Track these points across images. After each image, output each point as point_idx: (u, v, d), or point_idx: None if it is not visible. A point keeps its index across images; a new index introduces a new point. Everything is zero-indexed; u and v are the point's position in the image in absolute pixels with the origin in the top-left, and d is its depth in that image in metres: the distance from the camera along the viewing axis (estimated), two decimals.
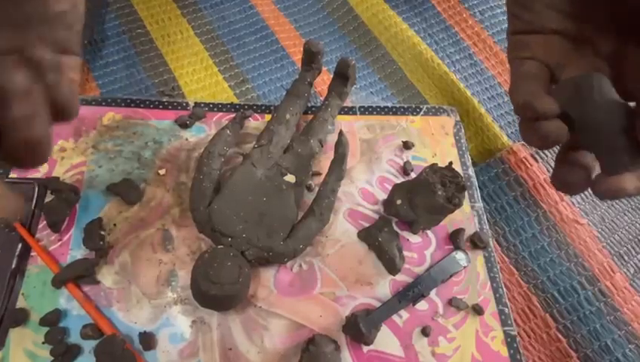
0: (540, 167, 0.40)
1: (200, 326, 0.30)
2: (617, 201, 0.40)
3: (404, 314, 0.31)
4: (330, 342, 0.29)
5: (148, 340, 0.28)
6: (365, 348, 0.30)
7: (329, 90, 0.37)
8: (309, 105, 0.39)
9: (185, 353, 0.29)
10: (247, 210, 0.31)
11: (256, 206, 0.31)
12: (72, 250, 0.31)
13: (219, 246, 0.30)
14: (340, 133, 0.34)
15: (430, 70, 0.44)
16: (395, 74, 0.45)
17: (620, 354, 0.33)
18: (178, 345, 0.29)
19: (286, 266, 0.32)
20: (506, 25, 0.28)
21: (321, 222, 0.32)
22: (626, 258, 0.37)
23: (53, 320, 0.28)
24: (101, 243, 0.31)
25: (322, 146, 0.36)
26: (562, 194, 0.39)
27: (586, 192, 0.40)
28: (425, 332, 0.31)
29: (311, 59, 0.37)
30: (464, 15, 0.49)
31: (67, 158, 0.34)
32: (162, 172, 0.35)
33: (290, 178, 0.33)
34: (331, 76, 0.39)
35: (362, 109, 0.40)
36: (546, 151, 0.41)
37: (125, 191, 0.33)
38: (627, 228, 0.38)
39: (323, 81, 0.42)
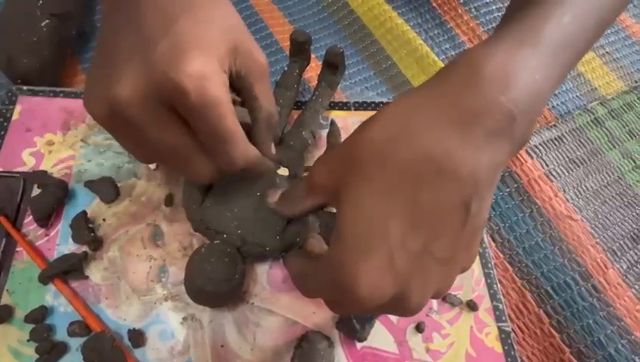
0: (534, 163, 0.40)
1: (191, 323, 0.29)
2: (611, 197, 0.40)
3: None
4: (324, 338, 0.29)
5: (137, 337, 0.28)
6: (359, 345, 0.30)
7: (319, 81, 0.37)
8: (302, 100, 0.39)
9: (175, 350, 0.28)
10: (240, 206, 0.30)
11: (249, 201, 0.31)
12: (60, 245, 0.30)
13: (215, 242, 0.29)
14: (332, 123, 0.33)
15: (426, 66, 0.44)
16: (391, 69, 0.44)
17: (612, 350, 0.33)
18: (168, 342, 0.28)
19: (279, 262, 0.32)
20: None
21: (316, 215, 0.31)
22: (619, 253, 0.37)
23: (38, 317, 0.27)
24: (92, 234, 0.30)
25: (315, 138, 0.35)
26: (556, 189, 0.39)
27: (580, 188, 0.40)
28: (419, 328, 0.31)
29: (298, 49, 0.36)
30: (460, 11, 0.49)
31: (55, 152, 0.33)
32: (153, 166, 0.34)
33: (283, 171, 0.33)
34: None
35: (357, 105, 0.39)
36: (541, 148, 0.41)
37: (101, 189, 0.32)
38: (620, 224, 0.38)
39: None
